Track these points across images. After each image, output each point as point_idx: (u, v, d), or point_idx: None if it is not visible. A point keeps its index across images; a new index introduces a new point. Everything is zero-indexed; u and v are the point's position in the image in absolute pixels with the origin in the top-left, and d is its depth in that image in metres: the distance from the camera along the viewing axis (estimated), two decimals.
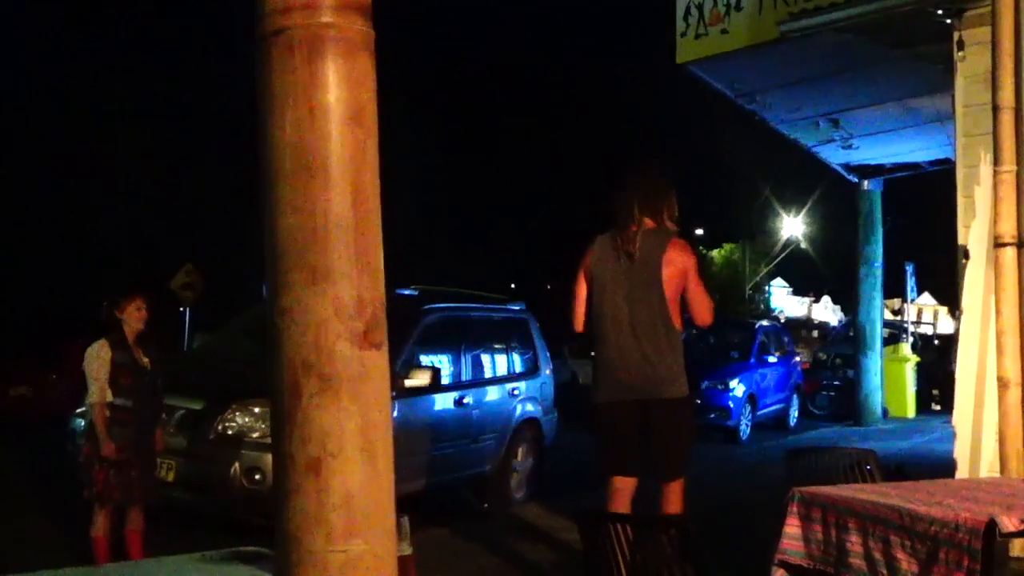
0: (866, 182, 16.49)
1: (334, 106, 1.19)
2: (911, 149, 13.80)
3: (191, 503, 7.27)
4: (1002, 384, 5.47)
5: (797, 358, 19.67)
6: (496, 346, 9.95)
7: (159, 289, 17.51)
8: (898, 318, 26.95)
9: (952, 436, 5.93)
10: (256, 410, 7.31)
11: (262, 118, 1.20)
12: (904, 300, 24.33)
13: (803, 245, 39.01)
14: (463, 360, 9.20)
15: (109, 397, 5.95)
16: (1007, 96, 5.52)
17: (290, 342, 1.17)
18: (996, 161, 5.56)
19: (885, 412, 17.68)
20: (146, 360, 6.18)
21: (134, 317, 6.12)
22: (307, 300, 1.17)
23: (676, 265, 5.11)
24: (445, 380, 8.69)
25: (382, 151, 1.24)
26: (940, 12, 6.72)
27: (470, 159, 39.37)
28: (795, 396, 18.20)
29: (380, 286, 1.21)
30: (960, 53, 6.37)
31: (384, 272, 1.23)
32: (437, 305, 9.26)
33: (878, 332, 17.42)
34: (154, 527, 6.36)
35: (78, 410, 7.85)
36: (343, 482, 1.16)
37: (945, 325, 32.72)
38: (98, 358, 5.99)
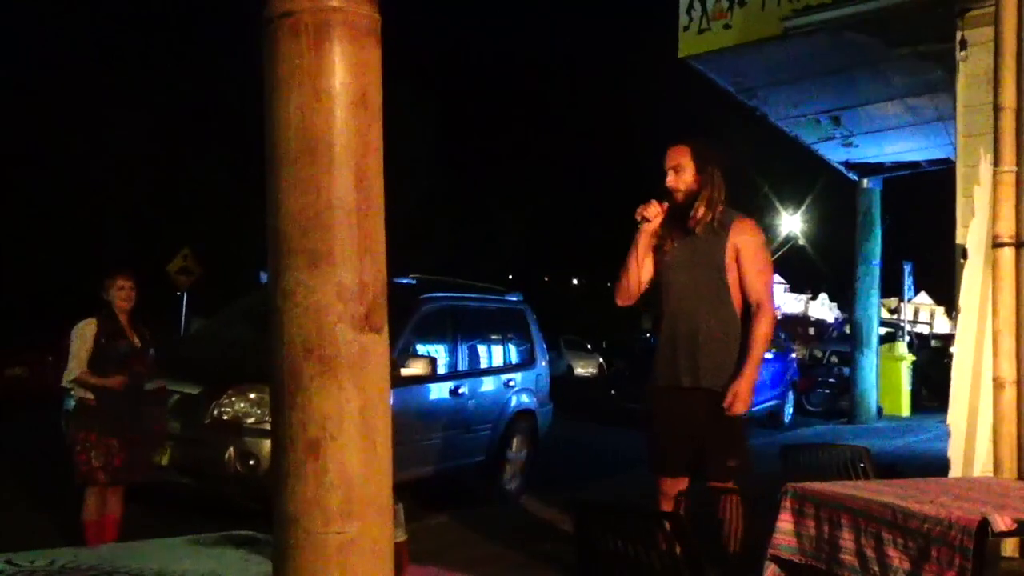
0: (865, 180, 16.50)
1: (339, 90, 1.19)
2: (911, 148, 13.81)
3: (185, 487, 7.29)
4: (997, 384, 5.48)
5: (792, 355, 19.71)
6: (492, 336, 9.96)
7: (156, 273, 17.54)
8: (895, 317, 26.99)
9: (946, 435, 5.95)
10: (252, 395, 7.32)
11: (267, 101, 1.21)
12: (901, 299, 24.41)
13: (801, 242, 39.01)
14: (459, 350, 9.22)
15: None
16: (1008, 96, 5.53)
17: (291, 324, 1.18)
18: (996, 161, 5.56)
19: (880, 410, 17.73)
20: (137, 341, 6.14)
21: (118, 297, 6.06)
22: (309, 282, 1.17)
23: None
24: (441, 369, 8.71)
25: (384, 137, 1.24)
26: (942, 11, 6.72)
27: (468, 149, 39.35)
28: (790, 393, 18.23)
29: (382, 270, 1.22)
30: (962, 52, 6.38)
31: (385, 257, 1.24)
32: (434, 294, 9.27)
33: (875, 330, 17.46)
34: (147, 510, 6.38)
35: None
36: (342, 464, 1.16)
37: (941, 325, 32.79)
38: (80, 335, 5.97)
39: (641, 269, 5.14)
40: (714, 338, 4.95)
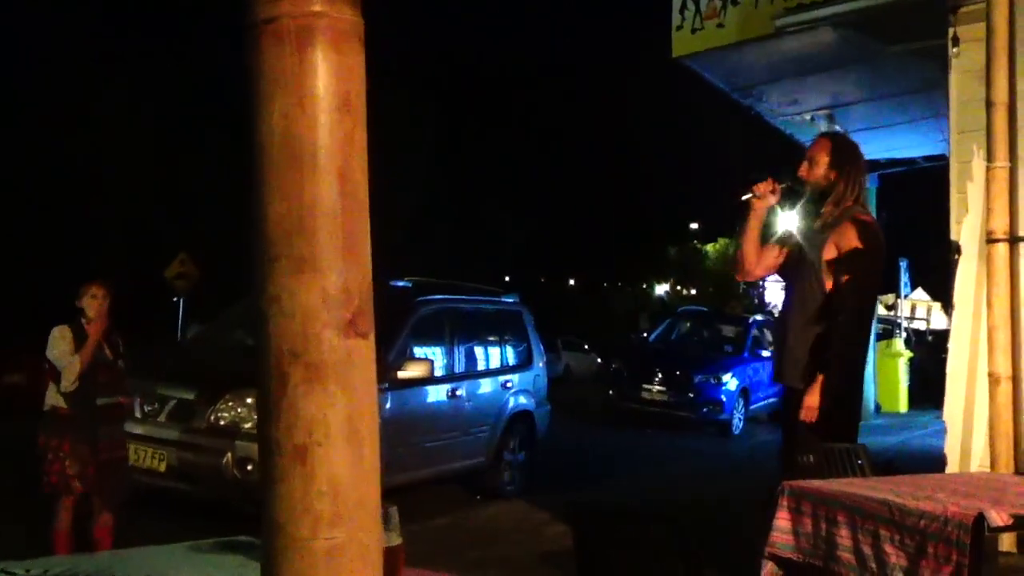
0: None
1: (323, 95, 1.19)
2: (906, 144, 13.82)
3: (183, 493, 7.28)
4: (993, 380, 5.49)
5: None
6: (490, 338, 9.97)
7: (154, 277, 17.53)
8: (891, 313, 26.99)
9: (943, 431, 5.95)
10: (249, 400, 7.31)
11: (251, 106, 1.21)
12: (897, 295, 24.40)
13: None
14: (456, 352, 9.22)
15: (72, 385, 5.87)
16: (1000, 92, 5.53)
17: (276, 330, 1.18)
18: (989, 157, 5.57)
19: (877, 407, 17.73)
20: (108, 352, 6.05)
21: (90, 306, 5.95)
22: (293, 288, 1.17)
23: None
24: (439, 372, 8.70)
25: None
26: (934, 8, 6.72)
27: (465, 152, 39.37)
28: None
29: (367, 275, 1.22)
30: (955, 49, 6.37)
31: (372, 261, 1.24)
32: (431, 297, 9.27)
33: (871, 327, 17.45)
34: (145, 516, 6.36)
35: None
36: (329, 470, 1.16)
37: (938, 321, 32.77)
38: (62, 339, 5.87)
39: (754, 246, 5.00)
40: (798, 337, 4.72)
